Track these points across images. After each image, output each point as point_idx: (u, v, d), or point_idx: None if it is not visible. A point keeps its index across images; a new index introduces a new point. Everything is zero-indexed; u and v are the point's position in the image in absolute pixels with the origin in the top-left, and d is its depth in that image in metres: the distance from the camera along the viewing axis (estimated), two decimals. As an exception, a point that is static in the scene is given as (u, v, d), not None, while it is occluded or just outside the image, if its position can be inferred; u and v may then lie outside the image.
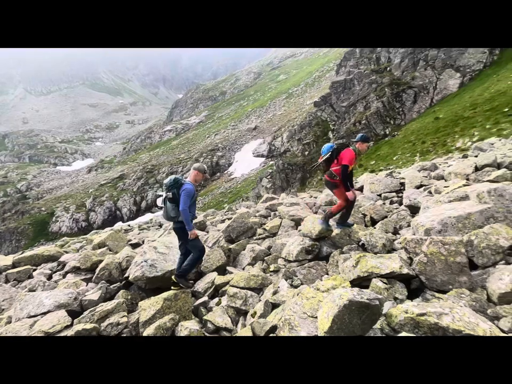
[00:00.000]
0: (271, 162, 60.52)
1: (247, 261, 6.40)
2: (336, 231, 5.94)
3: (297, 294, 3.54)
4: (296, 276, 5.20)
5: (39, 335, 4.30)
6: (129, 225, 22.67)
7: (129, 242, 10.08)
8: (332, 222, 6.08)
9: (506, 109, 24.89)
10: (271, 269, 5.83)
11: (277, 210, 9.67)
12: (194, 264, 5.20)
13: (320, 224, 5.73)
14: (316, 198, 11.28)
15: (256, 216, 9.83)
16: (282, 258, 6.03)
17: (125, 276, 6.29)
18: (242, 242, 7.12)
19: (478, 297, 3.26)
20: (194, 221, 6.67)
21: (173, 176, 4.97)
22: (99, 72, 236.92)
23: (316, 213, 8.93)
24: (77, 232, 53.61)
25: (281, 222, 8.07)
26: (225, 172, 69.28)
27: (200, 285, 5.74)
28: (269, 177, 52.35)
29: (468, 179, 7.30)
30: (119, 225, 42.24)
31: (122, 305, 4.92)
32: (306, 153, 52.47)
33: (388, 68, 46.76)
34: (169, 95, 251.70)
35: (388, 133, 41.60)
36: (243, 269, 6.26)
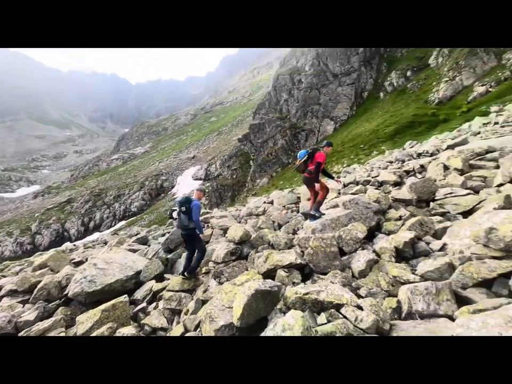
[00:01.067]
0: (208, 184, 59.60)
1: (182, 267, 6.00)
2: (253, 235, 6.02)
3: (219, 290, 3.44)
4: (223, 275, 5.07)
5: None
6: (74, 245, 19.35)
7: (72, 261, 8.55)
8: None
9: (362, 145, 29.44)
10: (203, 271, 5.58)
11: (209, 222, 9.43)
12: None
13: (316, 213, 5.45)
14: (240, 210, 11.39)
15: (192, 228, 9.38)
16: (212, 261, 5.83)
17: (64, 293, 5.27)
18: (179, 252, 6.67)
19: (346, 275, 3.61)
20: (138, 236, 6.54)
21: (185, 196, 5.27)
22: (46, 107, 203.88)
23: (239, 222, 8.98)
24: (21, 255, 43.57)
25: (212, 232, 7.86)
26: (169, 192, 65.43)
27: (139, 293, 5.14)
28: (206, 196, 51.27)
29: (339, 193, 8.26)
30: (65, 245, 35.89)
31: (60, 322, 4.09)
32: (234, 176, 53.10)
33: (288, 116, 51.12)
34: (116, 129, 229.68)
35: (290, 161, 44.82)
36: (179, 274, 5.85)
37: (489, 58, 31.27)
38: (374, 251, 4.02)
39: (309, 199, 6.77)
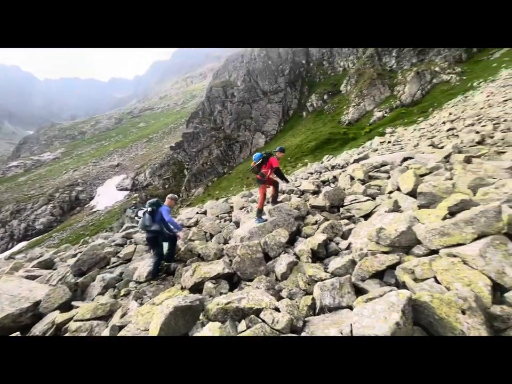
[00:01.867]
0: (136, 195, 54.21)
1: (97, 291, 5.18)
2: (182, 248, 5.70)
3: (136, 313, 3.09)
4: (146, 295, 4.61)
5: None
6: None
7: None
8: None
9: (289, 158, 31.95)
10: (121, 294, 4.95)
11: (132, 238, 8.52)
12: (158, 265, 5.04)
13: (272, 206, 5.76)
14: (169, 223, 10.72)
15: (111, 246, 8.29)
16: (134, 281, 5.25)
17: None
18: (92, 274, 5.75)
19: (270, 279, 3.76)
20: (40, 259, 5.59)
21: (155, 199, 5.35)
22: None
23: (168, 235, 8.42)
24: None
25: (135, 248, 7.11)
26: (87, 205, 56.70)
27: (38, 328, 4.18)
28: (133, 208, 46.53)
29: (267, 201, 8.67)
30: None
31: None
32: (167, 186, 50.06)
33: (222, 127, 51.71)
34: (16, 130, 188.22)
35: (225, 171, 45.10)
36: (92, 299, 5.03)
37: (385, 90, 38.80)
38: (295, 254, 4.33)
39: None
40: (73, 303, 4.81)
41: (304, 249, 4.15)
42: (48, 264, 7.77)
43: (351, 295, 2.63)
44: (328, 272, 3.42)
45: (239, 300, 2.51)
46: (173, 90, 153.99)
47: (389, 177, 7.48)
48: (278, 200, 6.65)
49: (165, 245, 5.37)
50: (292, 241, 4.86)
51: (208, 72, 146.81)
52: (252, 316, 2.36)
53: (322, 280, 3.13)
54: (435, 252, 2.78)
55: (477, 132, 11.79)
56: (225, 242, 6.20)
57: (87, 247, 7.56)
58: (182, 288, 3.83)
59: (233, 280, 4.11)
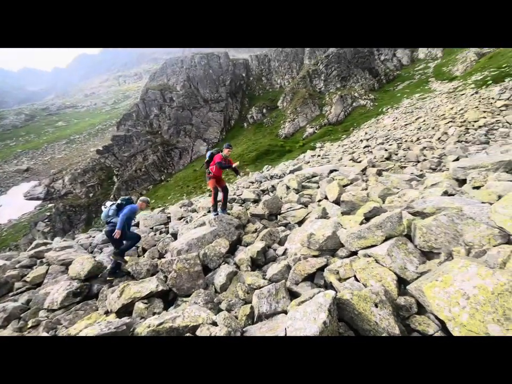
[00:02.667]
0: (50, 205, 45.93)
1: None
2: (108, 266, 5.05)
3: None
4: (61, 324, 3.89)
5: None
6: None
7: None
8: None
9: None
10: (29, 325, 4.06)
11: (44, 258, 7.13)
12: (131, 247, 5.24)
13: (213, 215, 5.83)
14: (93, 237, 9.35)
15: (16, 268, 6.76)
16: (45, 309, 4.37)
17: None
18: (-20, 304, 4.57)
19: (209, 292, 3.65)
20: None
21: (128, 196, 5.42)
22: None
23: (92, 252, 7.33)
24: None
25: (47, 270, 5.96)
26: (-21, 219, 45.43)
27: None
28: (46, 220, 39.30)
29: (209, 211, 8.50)
30: None
31: None
32: (91, 195, 44.11)
33: (160, 132, 48.91)
34: None
35: (163, 178, 42.53)
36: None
37: (315, 109, 43.16)
38: (235, 263, 4.33)
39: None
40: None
41: (244, 258, 4.19)
42: None
43: (286, 299, 2.76)
44: (266, 279, 3.52)
45: (173, 319, 2.34)
46: (101, 89, 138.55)
47: (318, 187, 8.29)
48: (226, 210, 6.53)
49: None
50: (232, 251, 4.85)
51: (143, 73, 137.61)
52: (188, 334, 2.23)
53: (260, 287, 3.20)
54: (355, 253, 3.17)
55: (386, 150, 14.19)
56: (161, 256, 5.76)
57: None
58: (107, 313, 3.37)
59: (168, 298, 3.84)
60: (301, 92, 46.97)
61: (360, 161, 12.08)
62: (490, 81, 24.42)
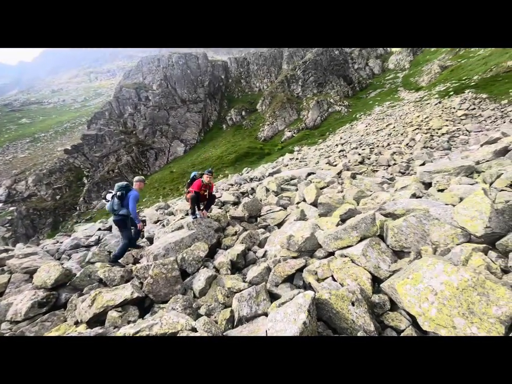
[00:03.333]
0: (12, 208, 42.09)
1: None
2: (77, 274, 4.73)
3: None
4: (23, 337, 3.57)
5: None
6: None
7: None
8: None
9: (210, 168, 31.73)
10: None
11: (5, 265, 6.51)
12: (124, 250, 5.11)
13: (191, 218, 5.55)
14: (61, 243, 8.72)
15: (-32, 278, 6.08)
16: (8, 321, 4.00)
17: None
18: None
19: (188, 297, 3.55)
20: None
21: (125, 182, 5.18)
22: None
23: (59, 259, 6.83)
24: None
25: (9, 278, 5.45)
26: None
27: None
28: (7, 225, 36.04)
29: (186, 213, 8.31)
30: None
31: None
32: (58, 197, 41.28)
33: (134, 132, 47.11)
34: None
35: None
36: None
37: (293, 113, 44.08)
38: (214, 267, 4.26)
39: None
40: None
41: (224, 261, 4.14)
42: None
43: (266, 301, 2.77)
44: (246, 282, 3.51)
45: (150, 327, 2.25)
46: (70, 85, 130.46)
47: (297, 190, 8.46)
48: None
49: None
50: (211, 254, 4.77)
51: (117, 71, 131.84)
52: (165, 341, 2.15)
53: (240, 291, 3.18)
54: (332, 253, 3.27)
55: (359, 154, 14.86)
56: (135, 262, 5.52)
57: None
58: (77, 323, 3.15)
59: (144, 305, 3.69)
60: (279, 96, 47.79)
61: (335, 165, 12.52)
62: (452, 92, 26.63)
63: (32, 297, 4.13)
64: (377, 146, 16.88)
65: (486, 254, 2.51)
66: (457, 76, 32.21)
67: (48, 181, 43.82)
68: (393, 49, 54.91)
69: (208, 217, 5.93)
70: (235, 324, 2.78)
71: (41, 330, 3.70)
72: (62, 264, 5.57)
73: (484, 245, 2.58)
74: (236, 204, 8.50)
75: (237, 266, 4.24)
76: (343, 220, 4.05)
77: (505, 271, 2.30)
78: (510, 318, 1.59)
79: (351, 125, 32.26)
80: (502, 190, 4.24)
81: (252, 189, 9.63)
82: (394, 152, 14.13)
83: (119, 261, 5.16)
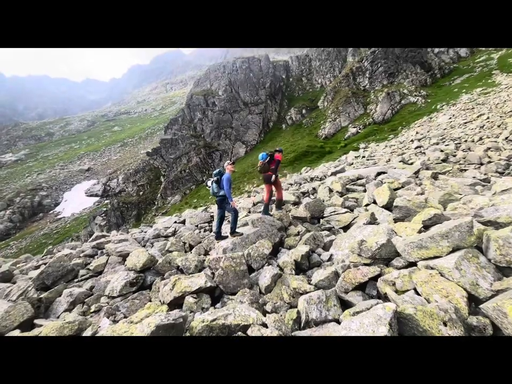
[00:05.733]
0: (107, 201, 51.32)
1: (63, 307, 4.72)
2: (159, 260, 5.43)
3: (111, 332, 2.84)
4: (119, 311, 4.28)
5: None
6: None
7: None
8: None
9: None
10: (92, 310, 4.56)
11: (104, 248, 7.96)
12: (236, 220, 5.60)
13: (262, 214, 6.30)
14: (145, 232, 10.17)
15: (80, 257, 7.68)
16: (106, 296, 4.86)
17: None
18: (58, 288, 5.26)
19: (254, 292, 3.69)
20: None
21: (218, 169, 6.02)
22: None
23: (144, 246, 7.99)
24: None
25: (107, 260, 6.64)
26: (51, 212, 52.62)
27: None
28: (103, 215, 43.98)
29: (249, 211, 8.65)
30: None
31: None
32: (141, 193, 48.12)
33: (202, 135, 51.35)
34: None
35: (205, 179, 44.48)
36: (58, 317, 4.58)
37: (359, 107, 41.07)
38: (278, 265, 4.31)
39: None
40: (35, 321, 4.34)
41: (288, 261, 4.15)
42: (6, 277, 7.01)
43: (337, 308, 2.65)
44: (311, 285, 3.43)
45: (225, 317, 2.41)
46: (151, 96, 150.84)
47: (365, 191, 7.82)
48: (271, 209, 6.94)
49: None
50: (275, 253, 4.84)
51: (188, 80, 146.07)
52: (239, 333, 2.28)
53: (306, 292, 3.13)
54: (413, 264, 2.91)
55: (441, 151, 12.83)
56: (206, 253, 6.01)
57: (53, 257, 6.94)
58: (164, 303, 3.62)
59: (215, 294, 3.98)
60: (343, 90, 45.13)
61: (411, 163, 11.12)
62: None
63: (125, 277, 4.91)
64: (466, 141, 14.28)
65: None
66: None
67: (134, 179, 51.65)
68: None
69: (271, 215, 6.05)
70: (302, 325, 2.75)
71: (131, 306, 4.35)
72: (148, 250, 6.49)
73: None
74: (296, 204, 8.40)
75: (300, 267, 4.19)
76: (426, 227, 3.57)
77: None
78: None
79: (430, 118, 28.13)
80: None
81: (313, 188, 9.36)
82: (489, 148, 11.69)
83: (237, 231, 5.64)
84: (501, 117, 16.94)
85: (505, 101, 20.79)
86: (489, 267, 2.49)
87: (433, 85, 40.13)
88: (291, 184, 13.39)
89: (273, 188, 7.08)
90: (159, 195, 44.77)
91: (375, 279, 2.97)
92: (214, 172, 5.87)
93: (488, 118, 17.92)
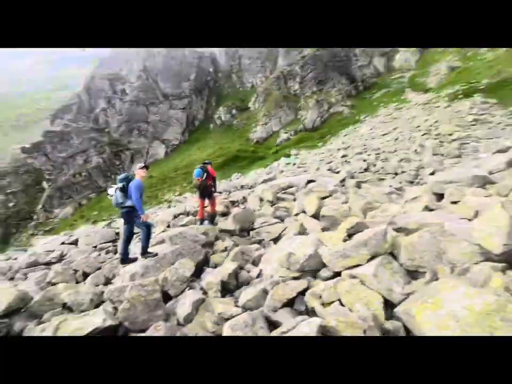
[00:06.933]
0: (-48, 217, 40.39)
1: None
2: (36, 297, 4.52)
3: None
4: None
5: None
6: None
7: None
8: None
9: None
10: None
11: None
12: (148, 238, 5.26)
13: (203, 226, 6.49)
14: (15, 259, 8.37)
15: None
16: None
17: None
18: None
19: (171, 325, 3.46)
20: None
21: (125, 173, 5.87)
22: None
23: (12, 279, 6.55)
24: None
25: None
26: None
27: None
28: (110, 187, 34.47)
29: (168, 225, 8.21)
30: None
31: None
32: (11, 204, 39.92)
33: (107, 129, 46.62)
34: None
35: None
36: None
37: (290, 113, 44.78)
38: (202, 288, 4.20)
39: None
40: None
41: (213, 282, 4.09)
42: None
43: (264, 330, 2.74)
44: (239, 307, 3.46)
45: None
46: (32, 73, 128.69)
47: (295, 199, 8.51)
48: (182, 224, 7.01)
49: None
50: (198, 273, 4.71)
51: (88, 58, 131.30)
52: None
53: (233, 317, 3.14)
54: (339, 274, 3.28)
55: (364, 160, 15.17)
56: (107, 282, 5.36)
57: None
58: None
59: (117, 332, 3.57)
60: (274, 93, 48.56)
61: (338, 172, 12.72)
62: (461, 96, 27.76)
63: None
64: (384, 152, 17.29)
65: (504, 274, 2.58)
66: (465, 78, 33.67)
67: (1, 185, 42.41)
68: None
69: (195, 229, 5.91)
70: (227, 356, 2.72)
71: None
72: (16, 285, 5.37)
73: (503, 264, 2.66)
74: (225, 214, 8.47)
75: (228, 288, 4.19)
76: (350, 235, 4.09)
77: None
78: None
79: (355, 128, 33.02)
80: (521, 204, 4.40)
81: (244, 197, 9.64)
82: (402, 159, 14.50)
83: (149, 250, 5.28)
84: (410, 131, 21.27)
85: (414, 116, 26.25)
86: (400, 272, 3.02)
87: (357, 96, 47.37)
88: (220, 193, 13.45)
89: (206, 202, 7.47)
90: (40, 206, 37.97)
91: (303, 293, 3.22)
92: (119, 177, 5.46)
93: (401, 131, 22.23)
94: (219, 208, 8.62)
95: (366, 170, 13.24)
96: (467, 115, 21.65)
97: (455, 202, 5.61)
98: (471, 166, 9.09)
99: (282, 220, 6.78)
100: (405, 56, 52.70)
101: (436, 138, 17.54)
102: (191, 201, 15.00)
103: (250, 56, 61.51)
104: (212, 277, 4.25)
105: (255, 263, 4.78)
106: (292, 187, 9.97)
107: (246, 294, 3.64)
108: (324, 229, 5.33)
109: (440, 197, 6.40)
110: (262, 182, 12.76)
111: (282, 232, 5.90)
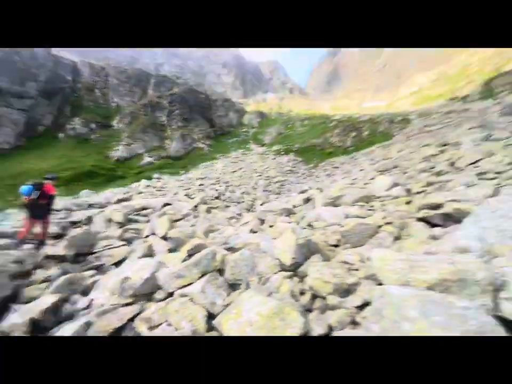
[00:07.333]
0: None
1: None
2: None
3: None
4: None
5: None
6: None
7: None
8: None
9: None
10: None
11: None
12: None
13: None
14: None
15: None
16: None
17: None
18: None
19: None
20: None
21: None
22: None
23: None
24: None
25: None
26: None
27: None
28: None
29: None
30: None
31: None
32: None
33: None
34: None
35: None
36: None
37: (156, 139, 42.16)
38: (3, 332, 2.89)
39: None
40: None
41: (19, 323, 2.91)
42: None
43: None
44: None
45: None
46: None
47: (148, 221, 7.75)
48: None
49: None
50: (1, 313, 3.24)
51: None
52: None
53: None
54: (172, 294, 3.08)
55: (216, 190, 16.09)
56: None
57: None
58: None
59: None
60: (142, 118, 44.94)
61: (193, 198, 12.80)
62: (283, 152, 35.51)
63: None
64: (232, 185, 19.06)
65: (291, 280, 3.20)
66: (286, 141, 43.68)
67: None
68: (247, 109, 67.45)
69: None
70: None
71: None
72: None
73: (291, 273, 3.31)
74: (59, 237, 6.55)
75: (43, 326, 3.09)
76: (190, 255, 4.01)
77: (302, 293, 3.00)
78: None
79: (212, 163, 35.00)
80: (304, 228, 5.79)
81: (89, 217, 7.87)
82: (244, 192, 16.42)
83: None
84: (250, 172, 24.73)
85: (253, 162, 30.87)
86: (224, 285, 3.17)
87: (215, 138, 51.06)
88: (58, 211, 10.42)
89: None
90: None
91: (132, 319, 2.78)
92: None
93: (244, 171, 25.42)
94: (52, 229, 6.61)
95: (217, 198, 14.01)
96: (285, 166, 27.69)
97: (271, 226, 6.75)
98: (284, 201, 11.40)
99: (130, 243, 5.93)
100: (250, 117, 62.55)
101: (266, 179, 21.18)
102: (17, 219, 10.83)
103: (118, 78, 55.05)
104: (17, 317, 3.02)
105: (86, 292, 3.81)
106: (148, 209, 9.11)
107: (64, 331, 2.78)
108: (170, 250, 5.03)
109: (262, 222, 7.55)
110: (117, 202, 10.98)
111: (127, 255, 5.12)
